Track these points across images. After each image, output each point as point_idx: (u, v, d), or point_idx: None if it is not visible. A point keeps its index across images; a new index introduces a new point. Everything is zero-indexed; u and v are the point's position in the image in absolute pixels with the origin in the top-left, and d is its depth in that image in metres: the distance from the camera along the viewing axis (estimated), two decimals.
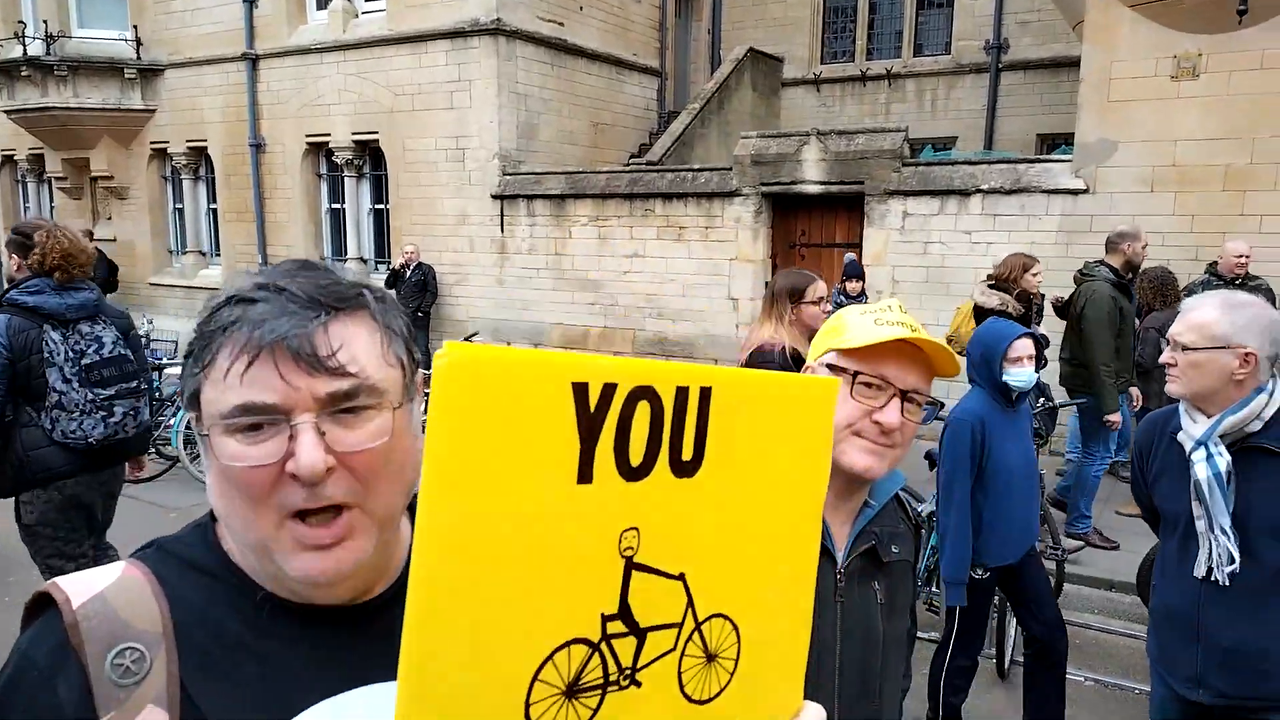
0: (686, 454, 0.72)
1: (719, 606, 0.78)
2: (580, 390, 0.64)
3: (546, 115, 11.45)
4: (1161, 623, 2.46)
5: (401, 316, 0.88)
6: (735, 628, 0.79)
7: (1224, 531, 2.21)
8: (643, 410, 0.68)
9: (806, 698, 0.89)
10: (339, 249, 12.67)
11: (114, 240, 14.06)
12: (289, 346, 0.77)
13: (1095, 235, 7.77)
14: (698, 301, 9.89)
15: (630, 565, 0.70)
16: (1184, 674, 2.36)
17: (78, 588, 0.82)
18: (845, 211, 9.26)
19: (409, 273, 10.57)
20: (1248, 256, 6.53)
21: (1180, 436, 2.32)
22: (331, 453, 0.78)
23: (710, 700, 0.78)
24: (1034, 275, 5.51)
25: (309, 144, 12.30)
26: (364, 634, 0.87)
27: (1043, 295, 6.56)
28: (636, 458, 0.68)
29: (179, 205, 14.20)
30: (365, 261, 12.30)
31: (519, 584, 0.63)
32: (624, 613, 0.71)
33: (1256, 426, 2.21)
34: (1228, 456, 2.22)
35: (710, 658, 0.78)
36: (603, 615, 0.69)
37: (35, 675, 0.79)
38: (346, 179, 12.32)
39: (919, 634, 5.01)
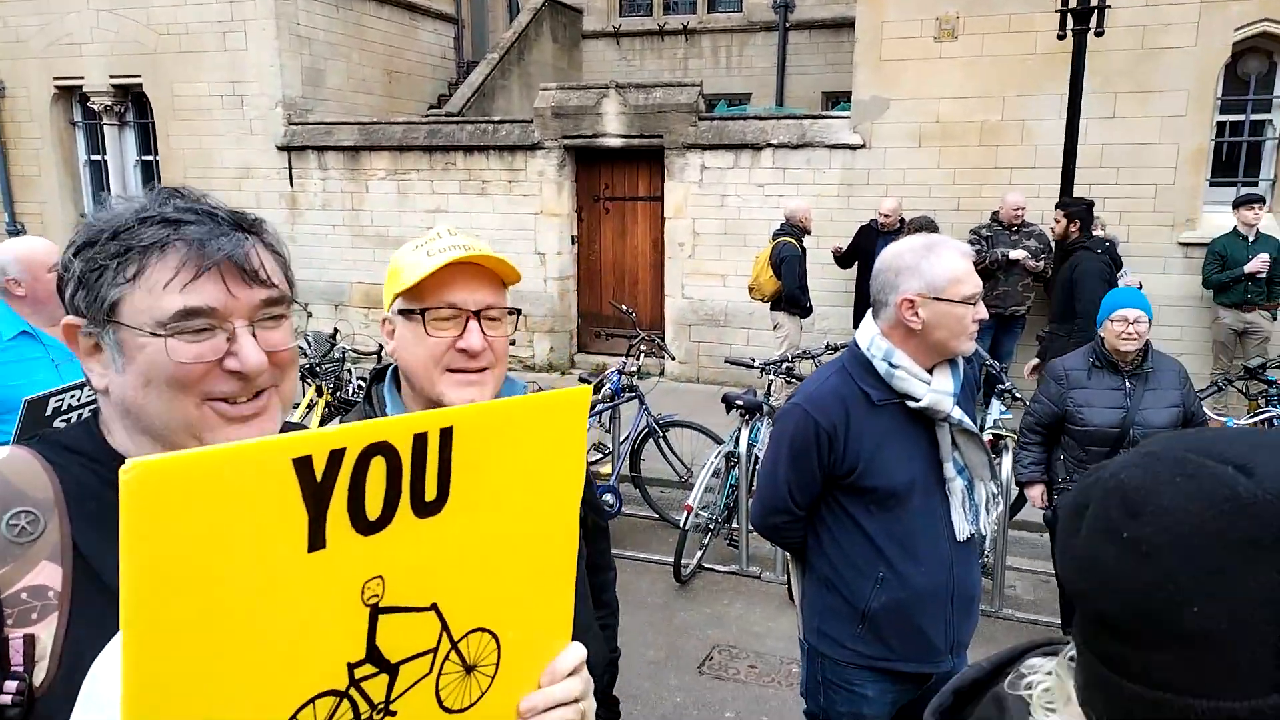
0: (430, 495, 0.74)
1: (476, 622, 0.82)
2: (303, 464, 0.65)
3: (335, 61, 10.79)
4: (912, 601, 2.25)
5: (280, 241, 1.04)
6: (495, 637, 0.84)
7: (995, 475, 2.27)
8: (377, 466, 0.69)
9: None
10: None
11: None
12: (234, 261, 0.92)
13: (872, 188, 8.40)
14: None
15: (376, 611, 0.73)
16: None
17: None
18: (647, 165, 9.42)
19: None
20: (1024, 208, 7.30)
21: (929, 400, 2.13)
22: (262, 351, 0.94)
23: (470, 707, 0.84)
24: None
25: (58, 88, 10.95)
26: None
27: None
28: (374, 512, 0.70)
29: None
30: None
31: (246, 661, 0.65)
32: (372, 656, 0.74)
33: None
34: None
35: (469, 669, 0.83)
36: (349, 664, 0.73)
37: None
38: (106, 127, 11.09)
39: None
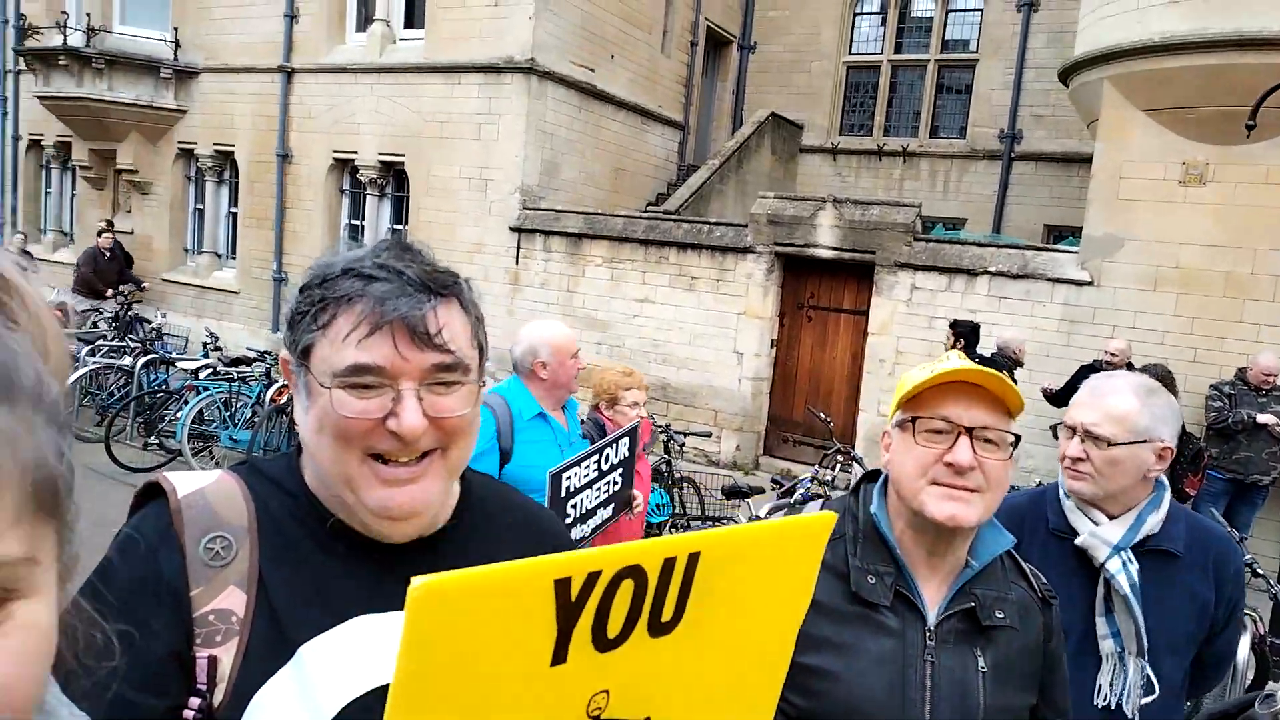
0: (666, 616, 0.75)
1: None
2: (563, 584, 0.67)
3: (570, 156, 11.71)
4: None
5: (480, 306, 1.05)
6: None
7: (1143, 654, 1.89)
8: (625, 588, 0.71)
9: None
10: None
11: (132, 233, 14.17)
12: (406, 323, 0.92)
13: (1097, 326, 8.03)
14: (703, 352, 10.05)
15: None
16: None
17: (182, 482, 0.97)
18: (855, 279, 9.49)
19: None
20: (1276, 373, 6.74)
21: (1087, 540, 1.95)
22: (427, 416, 0.93)
23: None
24: None
25: (335, 159, 12.52)
26: (409, 566, 1.02)
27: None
28: (614, 631, 0.72)
29: (199, 206, 14.36)
30: None
31: None
32: None
33: (1156, 527, 1.94)
34: (1136, 564, 1.91)
35: None
36: None
37: (143, 547, 0.93)
38: (368, 197, 12.52)
39: None
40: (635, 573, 0.71)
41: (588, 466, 2.76)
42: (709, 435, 7.77)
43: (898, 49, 14.35)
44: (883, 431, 1.45)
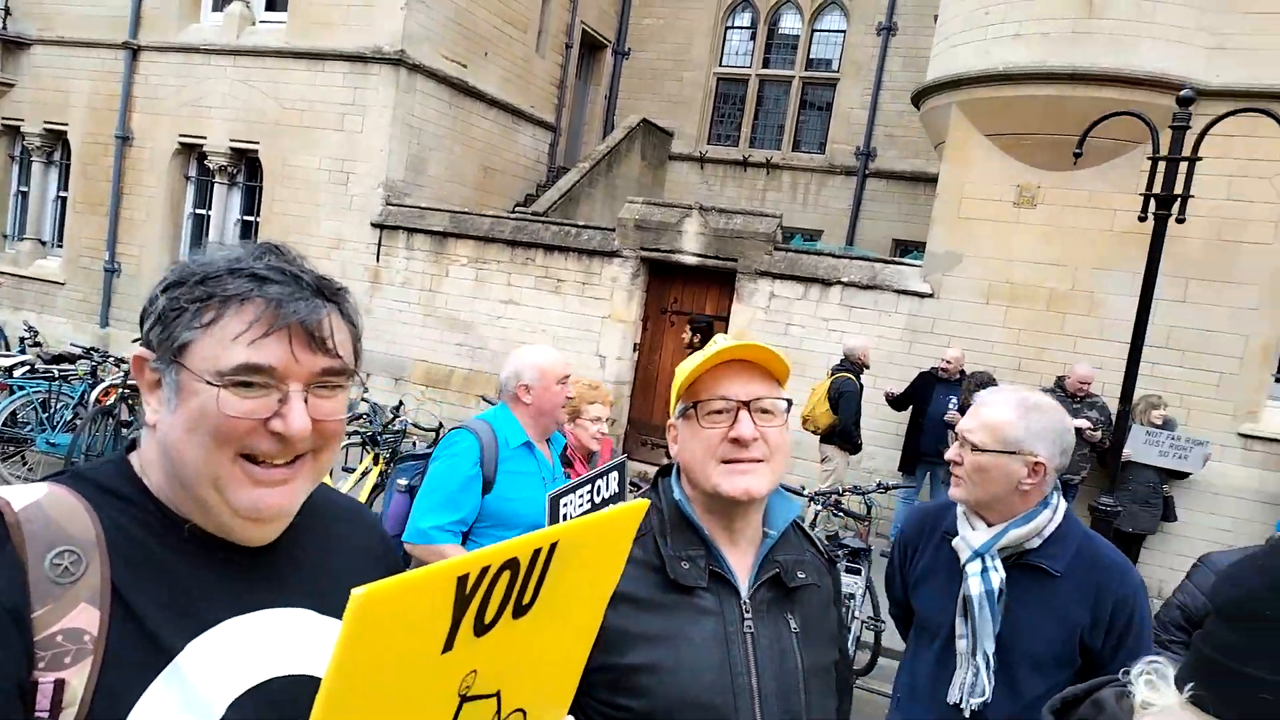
0: (526, 599, 0.83)
1: (519, 703, 0.90)
2: (462, 580, 0.73)
3: (438, 152, 11.47)
4: None
5: (359, 315, 1.05)
6: (524, 714, 0.91)
7: (985, 657, 1.96)
8: (504, 578, 0.78)
9: None
10: None
11: None
12: (305, 327, 0.93)
13: (936, 335, 8.52)
14: (567, 354, 9.91)
15: (464, 699, 0.81)
16: None
17: (15, 496, 0.90)
18: (717, 285, 9.71)
19: None
20: (1091, 381, 7.34)
21: (956, 542, 2.06)
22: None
23: None
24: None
25: (181, 144, 11.79)
26: (268, 567, 1.01)
27: None
28: (490, 616, 0.79)
29: (24, 188, 13.21)
30: None
31: None
32: None
33: (1035, 543, 1.99)
34: (1002, 573, 1.98)
35: None
36: None
37: None
38: (217, 185, 11.85)
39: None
40: (513, 564, 0.78)
41: (581, 496, 2.66)
42: None
43: (765, 63, 14.81)
44: (668, 425, 1.48)
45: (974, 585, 1.97)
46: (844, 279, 8.94)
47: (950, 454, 2.08)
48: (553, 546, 0.83)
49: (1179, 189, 5.84)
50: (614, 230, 9.90)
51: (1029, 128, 8.21)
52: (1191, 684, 0.84)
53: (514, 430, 2.86)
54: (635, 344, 10.01)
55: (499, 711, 0.87)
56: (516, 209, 12.29)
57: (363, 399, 7.61)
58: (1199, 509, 7.69)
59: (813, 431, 7.71)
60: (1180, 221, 5.90)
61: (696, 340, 7.53)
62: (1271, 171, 7.34)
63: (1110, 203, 7.93)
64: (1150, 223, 5.97)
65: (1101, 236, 8.05)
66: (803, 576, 1.42)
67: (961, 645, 2.00)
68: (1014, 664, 1.95)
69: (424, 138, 11.16)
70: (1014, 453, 1.95)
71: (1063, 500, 2.05)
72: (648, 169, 14.14)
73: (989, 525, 2.02)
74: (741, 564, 1.40)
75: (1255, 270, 7.62)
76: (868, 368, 7.75)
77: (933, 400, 7.80)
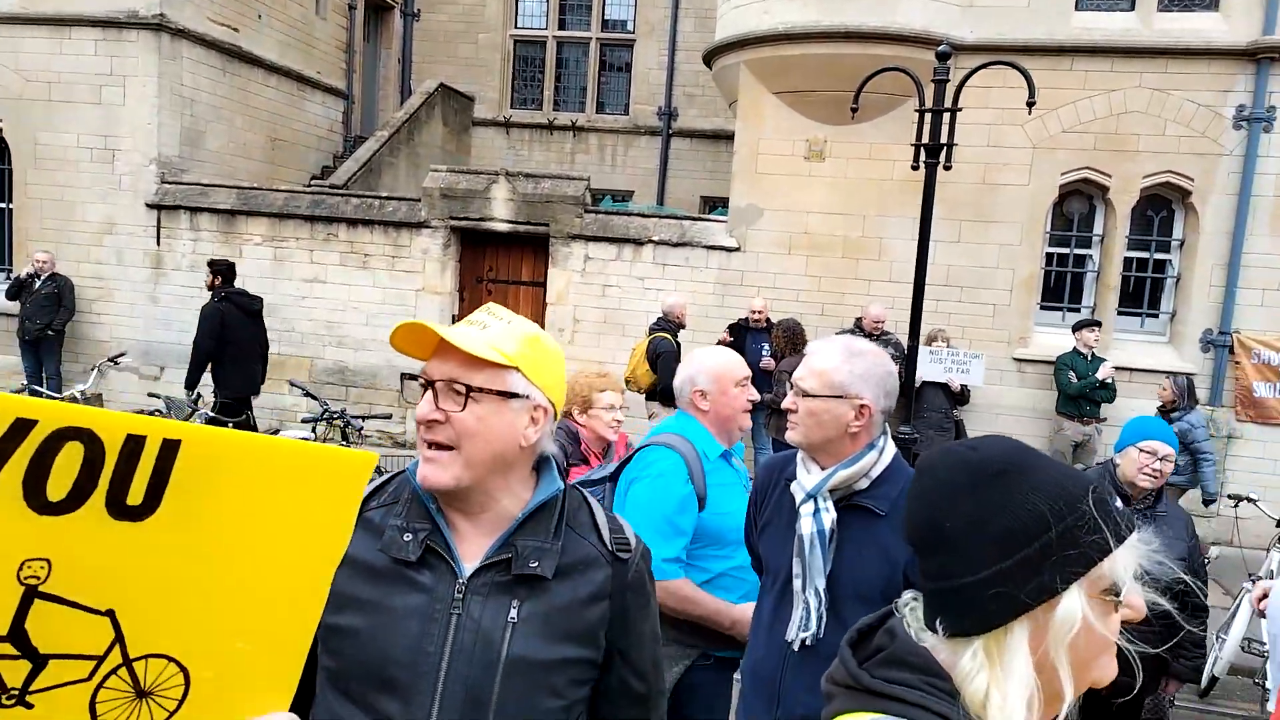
0: (133, 499, 0.74)
1: (162, 647, 0.80)
2: None
3: (216, 124, 10.61)
4: (747, 685, 2.23)
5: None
6: (184, 671, 0.81)
7: (816, 594, 2.03)
8: (72, 450, 0.70)
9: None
10: None
11: None
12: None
13: (745, 288, 8.90)
14: (382, 331, 9.66)
15: (33, 593, 0.72)
16: None
17: None
18: (532, 251, 9.65)
19: (39, 284, 9.18)
20: (884, 320, 7.91)
21: (794, 486, 2.12)
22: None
23: None
24: None
25: None
26: None
27: None
28: (56, 495, 0.71)
29: None
30: None
31: None
32: (15, 637, 0.73)
33: (863, 484, 2.07)
34: (833, 513, 2.05)
35: (141, 693, 0.80)
36: None
37: None
38: None
39: None
40: (84, 436, 0.69)
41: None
42: (389, 417, 7.53)
43: (561, 25, 14.67)
44: None
45: (806, 525, 2.04)
46: (655, 238, 9.13)
47: (786, 402, 2.14)
48: (170, 444, 0.74)
49: (944, 138, 6.37)
50: (420, 200, 9.58)
51: (812, 85, 8.66)
52: (939, 619, 0.94)
53: (708, 440, 2.66)
54: (454, 315, 9.79)
55: (121, 642, 0.77)
56: (313, 182, 11.62)
57: (153, 394, 7.01)
58: (984, 428, 8.55)
59: (637, 391, 7.88)
60: (948, 168, 6.45)
61: (219, 282, 7.65)
62: (1022, 119, 8.15)
63: (889, 154, 8.53)
64: (922, 171, 6.49)
65: (884, 185, 8.66)
66: (534, 566, 1.32)
67: (797, 585, 2.05)
68: (843, 599, 2.02)
69: (198, 109, 10.28)
70: (841, 396, 2.04)
71: (890, 443, 2.13)
72: (451, 135, 13.74)
73: (823, 469, 2.08)
74: (476, 545, 1.34)
75: (1014, 209, 8.48)
76: (684, 326, 7.99)
77: (746, 350, 8.17)
